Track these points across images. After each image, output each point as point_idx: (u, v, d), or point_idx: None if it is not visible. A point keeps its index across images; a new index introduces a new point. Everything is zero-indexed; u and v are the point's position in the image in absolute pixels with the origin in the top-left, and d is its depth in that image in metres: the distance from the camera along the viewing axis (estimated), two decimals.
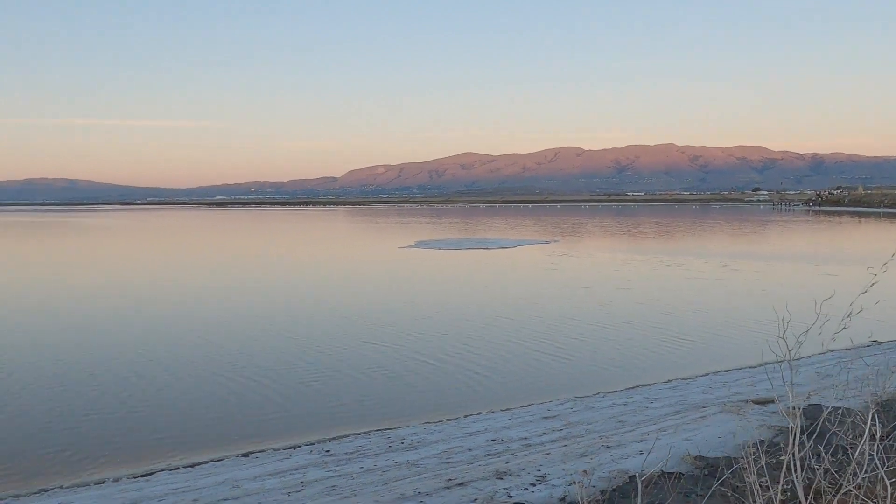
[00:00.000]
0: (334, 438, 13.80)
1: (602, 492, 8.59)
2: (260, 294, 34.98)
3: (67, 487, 11.77)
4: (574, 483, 10.33)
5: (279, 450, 13.24)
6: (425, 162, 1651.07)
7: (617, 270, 43.96)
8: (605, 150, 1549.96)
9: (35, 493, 11.58)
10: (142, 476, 12.14)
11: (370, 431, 14.17)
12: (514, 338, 23.24)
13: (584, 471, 10.84)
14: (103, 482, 11.94)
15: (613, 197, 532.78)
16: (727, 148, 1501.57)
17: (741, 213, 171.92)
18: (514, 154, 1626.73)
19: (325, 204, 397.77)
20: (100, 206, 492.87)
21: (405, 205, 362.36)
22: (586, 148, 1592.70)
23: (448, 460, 11.92)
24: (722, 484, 7.76)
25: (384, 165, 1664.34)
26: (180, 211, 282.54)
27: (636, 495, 6.70)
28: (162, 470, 12.46)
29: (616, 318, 26.77)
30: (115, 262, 56.72)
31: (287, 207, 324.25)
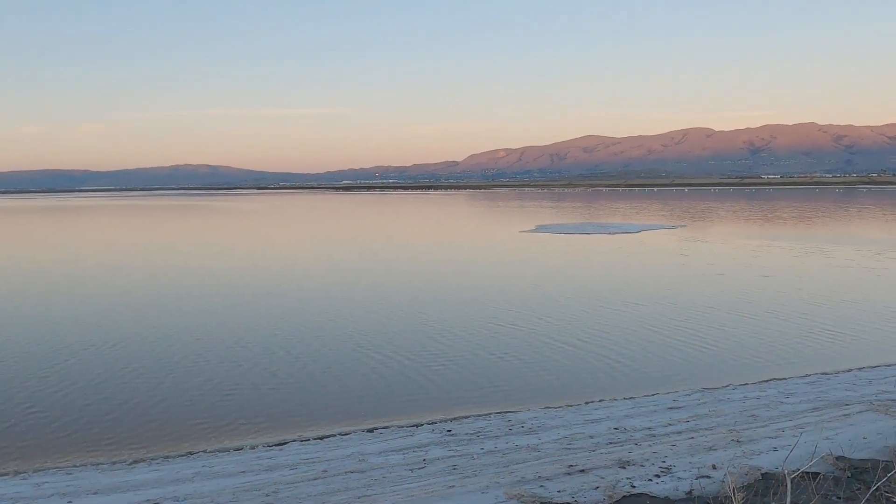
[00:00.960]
0: (455, 419, 14.02)
1: (734, 489, 8.21)
2: (389, 277, 36.00)
3: (210, 452, 12.67)
4: (702, 477, 9.96)
5: (403, 427, 13.62)
6: (546, 145, 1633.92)
7: (754, 257, 41.67)
8: (738, 130, 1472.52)
9: (182, 455, 12.56)
10: (276, 445, 12.88)
11: (490, 414, 14.28)
12: (638, 325, 22.63)
13: (713, 465, 10.43)
14: (241, 449, 12.77)
15: (746, 180, 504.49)
16: (877, 126, 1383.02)
17: (895, 198, 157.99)
18: (638, 136, 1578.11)
19: (446, 188, 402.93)
20: (237, 189, 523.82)
21: (526, 189, 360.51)
22: (717, 129, 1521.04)
23: (569, 446, 11.82)
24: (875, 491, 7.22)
25: (505, 149, 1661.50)
26: (309, 195, 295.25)
27: (775, 493, 6.34)
28: (294, 440, 13.15)
29: (750, 307, 25.42)
30: (264, 241, 60.21)
31: (409, 191, 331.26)
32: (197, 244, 59.86)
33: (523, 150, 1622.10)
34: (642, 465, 10.65)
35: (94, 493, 10.51)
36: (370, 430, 13.51)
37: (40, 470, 11.92)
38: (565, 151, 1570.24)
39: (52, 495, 10.48)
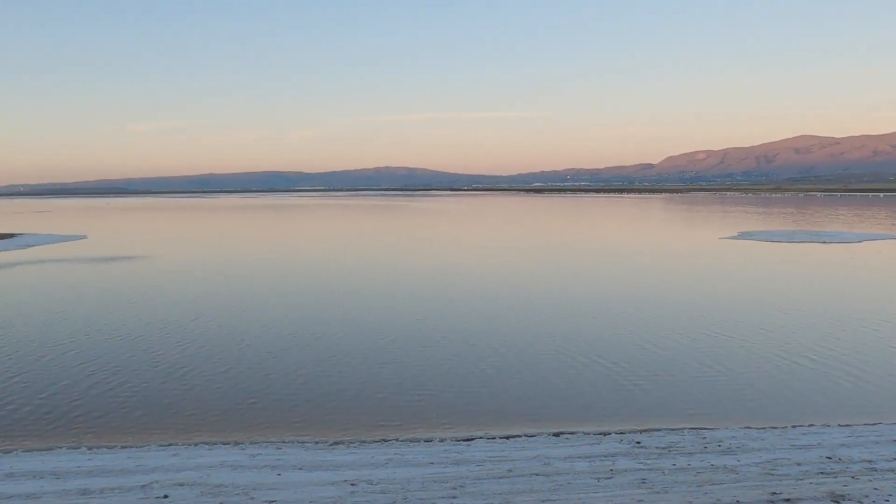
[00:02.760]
0: (645, 431, 13.49)
1: None
2: (586, 281, 35.58)
3: (403, 441, 13.26)
4: None
5: (589, 434, 13.35)
6: (752, 146, 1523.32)
7: None
8: None
9: (377, 441, 13.27)
10: (463, 440, 13.19)
11: (683, 429, 13.57)
12: (856, 346, 20.36)
13: None
14: (431, 441, 13.23)
15: None
16: None
17: None
18: (861, 136, 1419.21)
19: (640, 191, 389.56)
20: (432, 191, 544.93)
21: (728, 193, 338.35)
22: None
23: (772, 472, 10.90)
24: None
25: (705, 151, 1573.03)
26: (501, 197, 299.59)
27: None
28: (481, 437, 13.38)
29: None
30: (458, 240, 62.38)
31: (602, 195, 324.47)
32: (400, 242, 63.07)
33: (725, 152, 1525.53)
34: (860, 502, 9.56)
35: (300, 469, 11.42)
36: (556, 434, 13.40)
37: (255, 443, 13.18)
38: (774, 153, 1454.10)
39: (265, 466, 11.54)
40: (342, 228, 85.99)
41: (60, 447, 13.00)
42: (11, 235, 67.56)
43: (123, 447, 12.95)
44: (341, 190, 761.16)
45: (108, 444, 13.19)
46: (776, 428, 13.53)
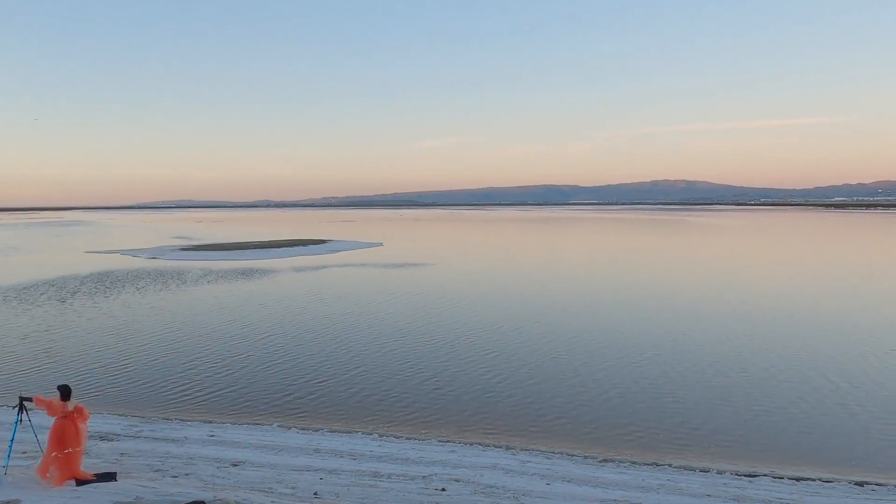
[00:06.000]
0: None
1: None
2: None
3: (676, 468, 12.62)
4: None
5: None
6: None
7: None
8: None
9: (648, 464, 12.78)
10: (745, 475, 12.16)
11: None
12: None
13: None
14: (708, 471, 12.41)
15: None
16: None
17: None
18: None
19: None
20: (714, 205, 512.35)
21: None
22: None
23: None
24: None
25: None
26: (792, 213, 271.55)
27: None
28: (765, 475, 12.23)
29: None
30: (742, 261, 58.21)
31: None
32: (682, 258, 60.47)
33: None
34: None
35: (568, 482, 11.45)
36: (858, 484, 11.77)
37: (526, 449, 13.51)
38: None
39: (534, 474, 11.77)
40: (614, 242, 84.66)
41: (357, 431, 14.57)
42: (324, 241, 77.76)
43: (408, 438, 14.12)
44: (615, 203, 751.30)
45: (395, 433, 14.48)
46: None
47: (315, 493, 10.51)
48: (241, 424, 14.88)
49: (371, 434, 14.34)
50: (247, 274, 45.99)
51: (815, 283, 40.01)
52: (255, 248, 67.88)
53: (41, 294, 35.90)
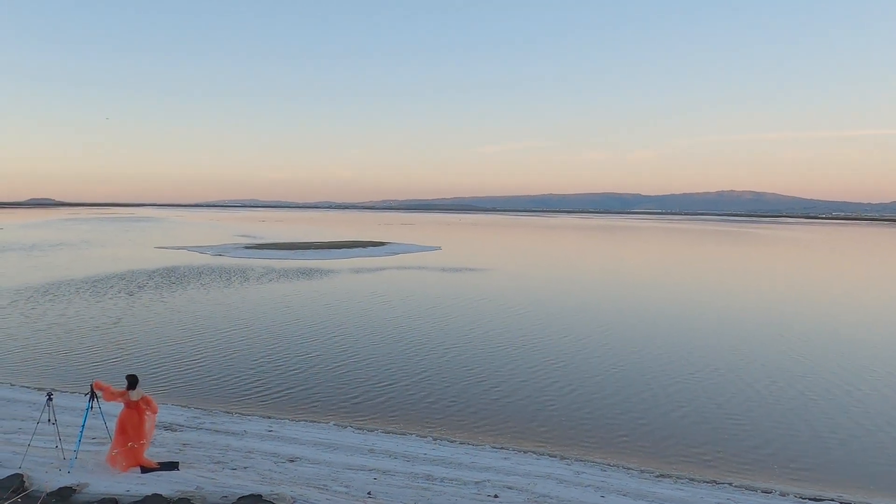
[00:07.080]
0: None
1: None
2: None
3: (736, 486, 12.24)
4: None
5: None
6: None
7: None
8: None
9: (707, 482, 12.44)
10: (811, 499, 11.71)
11: None
12: None
13: None
14: (770, 492, 12.00)
15: None
16: None
17: None
18: None
19: None
20: (782, 217, 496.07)
21: None
22: None
23: None
24: None
25: None
26: (867, 227, 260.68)
27: None
28: (831, 500, 11.76)
29: None
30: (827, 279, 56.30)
31: None
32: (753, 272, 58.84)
33: None
34: None
35: (624, 495, 11.24)
36: None
37: (581, 460, 13.33)
38: None
39: (588, 486, 11.60)
40: (682, 252, 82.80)
41: (411, 433, 14.64)
42: (383, 243, 78.57)
43: (462, 443, 14.11)
44: (678, 213, 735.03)
45: (449, 437, 14.49)
46: None
47: (369, 493, 10.61)
48: (299, 421, 15.14)
49: (425, 437, 14.38)
50: (308, 273, 46.82)
51: None
52: (317, 248, 69.13)
53: (111, 287, 37.36)
